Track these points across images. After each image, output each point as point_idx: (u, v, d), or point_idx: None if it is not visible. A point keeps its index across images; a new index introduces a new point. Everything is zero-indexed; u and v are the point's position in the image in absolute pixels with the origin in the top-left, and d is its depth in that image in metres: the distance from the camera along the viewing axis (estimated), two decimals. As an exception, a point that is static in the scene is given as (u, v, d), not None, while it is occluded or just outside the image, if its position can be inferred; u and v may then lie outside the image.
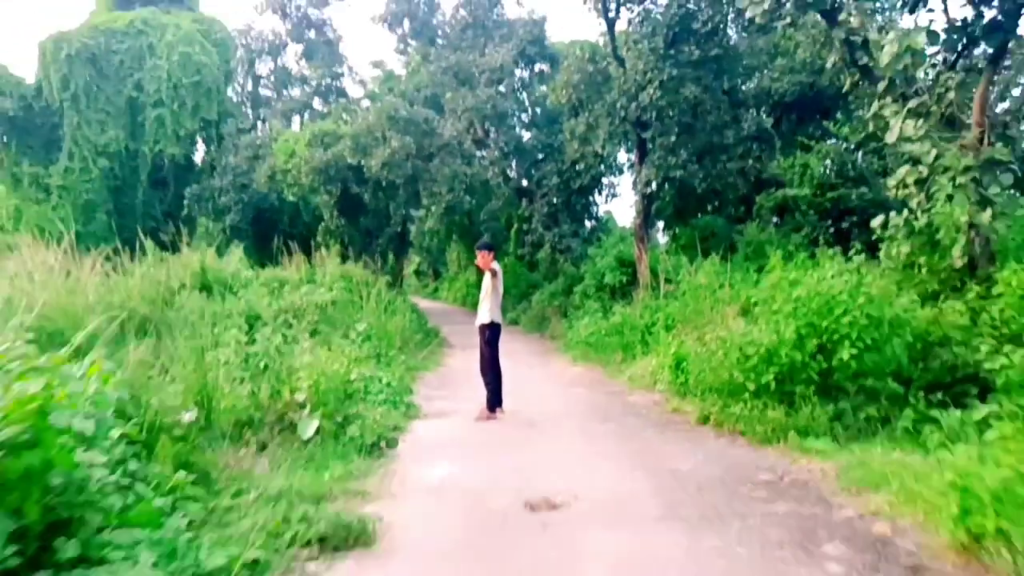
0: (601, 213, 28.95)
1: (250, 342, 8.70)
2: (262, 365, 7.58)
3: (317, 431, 6.49)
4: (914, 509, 4.77)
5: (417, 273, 51.83)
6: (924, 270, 8.76)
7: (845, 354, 6.93)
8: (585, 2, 18.03)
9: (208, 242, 21.17)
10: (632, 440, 7.47)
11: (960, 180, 8.11)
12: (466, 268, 34.60)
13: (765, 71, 19.89)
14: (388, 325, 13.69)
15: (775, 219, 17.92)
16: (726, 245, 16.22)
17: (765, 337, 7.51)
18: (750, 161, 18.35)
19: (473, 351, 9.83)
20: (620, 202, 66.60)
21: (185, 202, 29.36)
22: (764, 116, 20.39)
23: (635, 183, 18.46)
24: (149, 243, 14.95)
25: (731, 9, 16.78)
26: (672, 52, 16.77)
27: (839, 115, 17.12)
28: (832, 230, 15.80)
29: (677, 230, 22.05)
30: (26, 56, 67.29)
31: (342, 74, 43.50)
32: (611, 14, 18.04)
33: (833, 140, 17.55)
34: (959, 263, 8.30)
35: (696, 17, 16.67)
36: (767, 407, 7.32)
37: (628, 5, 18.14)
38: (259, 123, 40.96)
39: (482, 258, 8.97)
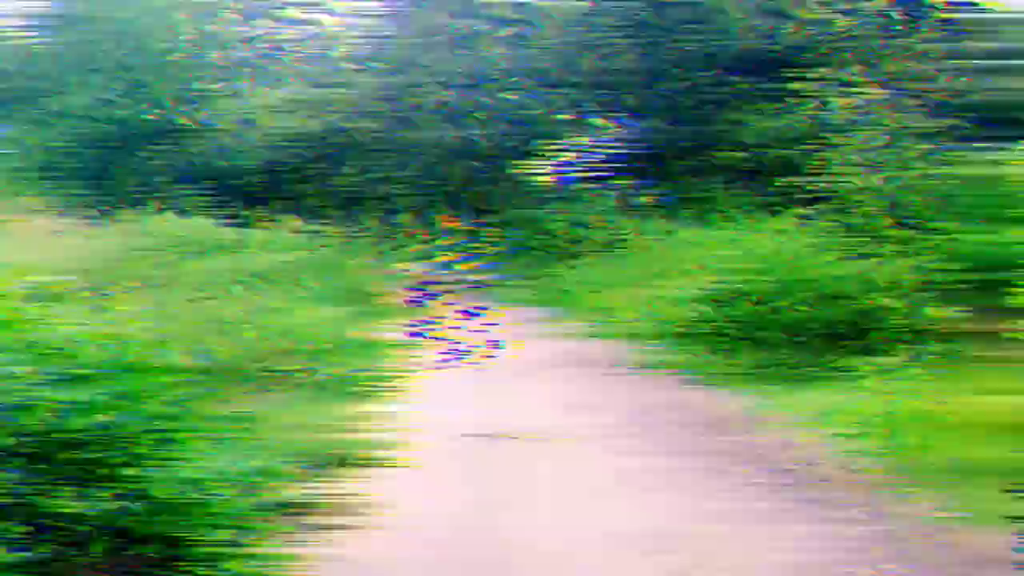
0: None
1: (243, 298, 9.42)
2: (257, 318, 8.32)
3: (316, 377, 7.30)
4: (822, 436, 5.79)
5: (388, 234, 51.95)
6: (861, 229, 9.45)
7: (774, 306, 7.89)
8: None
9: (188, 204, 21.54)
10: (580, 379, 8.66)
11: (908, 145, 8.88)
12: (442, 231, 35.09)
13: (726, 31, 20.21)
14: (368, 284, 14.42)
15: (730, 178, 18.48)
16: (683, 204, 16.91)
17: (701, 291, 8.48)
18: (716, 122, 18.85)
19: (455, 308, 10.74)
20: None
21: (163, 165, 29.28)
22: (723, 75, 20.84)
23: (596, 143, 19.01)
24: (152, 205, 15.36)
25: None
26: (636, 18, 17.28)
27: (797, 74, 17.62)
28: (785, 190, 16.44)
29: (635, 189, 22.61)
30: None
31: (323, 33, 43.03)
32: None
33: (792, 100, 18.00)
34: (894, 223, 9.11)
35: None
36: (702, 354, 8.35)
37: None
38: (238, 86, 40.48)
39: (454, 219, 9.82)
